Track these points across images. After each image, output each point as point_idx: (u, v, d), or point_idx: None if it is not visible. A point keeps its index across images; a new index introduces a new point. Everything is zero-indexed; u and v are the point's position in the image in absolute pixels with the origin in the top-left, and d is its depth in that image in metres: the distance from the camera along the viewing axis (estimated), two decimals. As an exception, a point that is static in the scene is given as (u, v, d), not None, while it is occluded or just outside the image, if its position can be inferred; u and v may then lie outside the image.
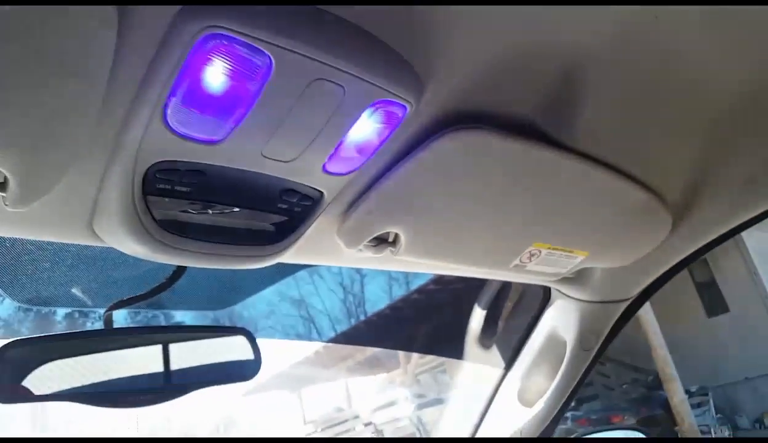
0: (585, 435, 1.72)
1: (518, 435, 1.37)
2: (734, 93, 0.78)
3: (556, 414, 1.35)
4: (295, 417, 14.36)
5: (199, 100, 0.50)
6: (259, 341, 0.87)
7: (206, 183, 0.60)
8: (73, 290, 0.94)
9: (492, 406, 1.43)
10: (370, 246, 0.84)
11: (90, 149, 0.53)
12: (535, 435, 1.37)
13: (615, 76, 0.71)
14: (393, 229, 0.81)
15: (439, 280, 8.60)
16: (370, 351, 11.86)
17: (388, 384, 12.42)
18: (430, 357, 11.12)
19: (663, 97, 0.76)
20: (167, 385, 0.80)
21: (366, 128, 0.62)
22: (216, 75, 0.49)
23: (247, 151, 0.57)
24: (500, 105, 0.71)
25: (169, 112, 0.50)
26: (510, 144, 0.73)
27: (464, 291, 1.61)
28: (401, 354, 11.48)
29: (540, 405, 1.33)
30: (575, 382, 1.32)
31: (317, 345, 12.56)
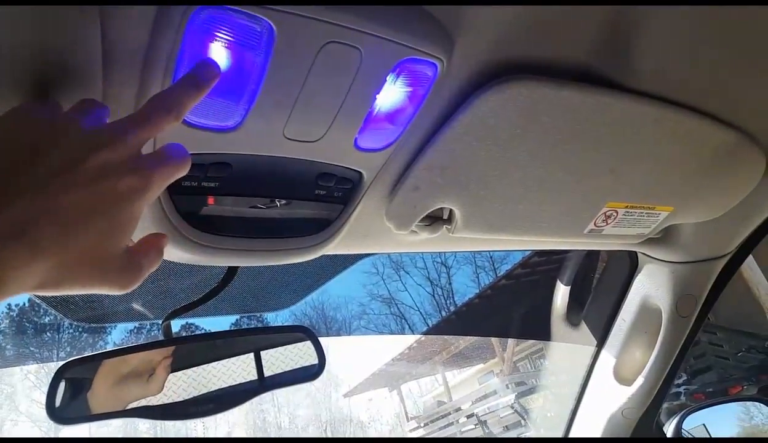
0: (703, 407, 1.57)
1: (620, 417, 1.26)
2: None
3: (659, 390, 1.23)
4: (398, 413, 14.51)
5: None
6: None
7: (234, 175, 0.57)
8: (130, 304, 0.96)
9: (588, 387, 1.33)
10: (424, 226, 0.79)
11: None
12: (639, 415, 1.26)
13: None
14: (446, 205, 0.75)
15: (527, 264, 8.39)
16: (464, 343, 11.74)
17: (487, 375, 12.25)
18: (527, 344, 10.85)
19: (736, 19, 0.65)
20: (232, 391, 0.79)
21: (395, 94, 0.58)
22: (216, 51, 0.46)
23: (268, 134, 0.54)
24: (547, 51, 0.63)
25: (176, 102, 0.47)
26: (565, 92, 0.64)
27: (555, 271, 1.51)
28: (496, 343, 11.29)
29: (640, 382, 1.22)
30: (677, 353, 1.20)
31: (411, 341, 12.60)
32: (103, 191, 0.37)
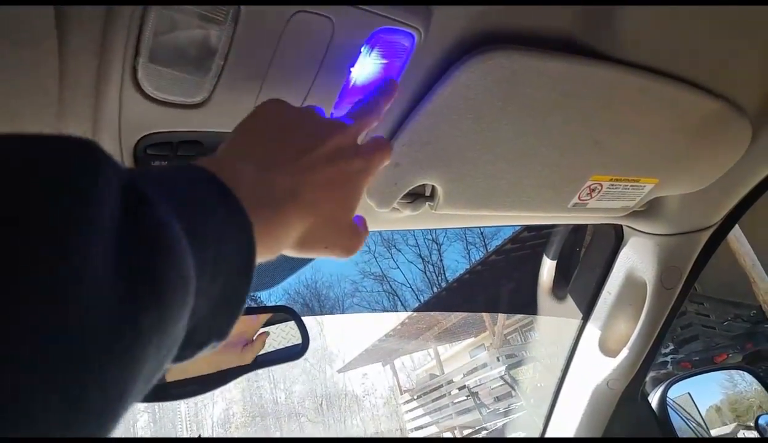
0: (688, 377, 1.59)
1: (605, 387, 1.27)
2: None
3: (644, 361, 1.24)
4: (392, 386, 14.70)
5: (167, 54, 0.45)
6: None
7: (204, 154, 0.55)
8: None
9: (574, 359, 1.34)
10: (406, 203, 0.78)
11: (67, 131, 0.50)
12: (624, 385, 1.27)
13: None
14: (427, 181, 0.74)
15: (516, 238, 8.43)
16: (455, 318, 11.86)
17: (478, 348, 12.41)
18: (517, 317, 10.98)
19: None
20: (223, 370, 0.79)
21: (371, 67, 0.55)
22: (179, 23, 0.43)
23: (239, 110, 0.52)
24: (528, 21, 0.61)
25: (139, 75, 0.45)
26: (548, 62, 0.62)
27: (545, 245, 1.51)
28: (486, 317, 11.41)
29: (624, 354, 1.22)
30: (661, 325, 1.20)
31: (403, 318, 12.71)
32: (339, 169, 0.44)
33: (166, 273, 0.25)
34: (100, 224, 0.22)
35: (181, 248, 0.26)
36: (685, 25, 0.67)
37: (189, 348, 0.30)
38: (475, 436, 9.64)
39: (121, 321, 0.22)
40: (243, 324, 0.80)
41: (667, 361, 6.64)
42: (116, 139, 0.50)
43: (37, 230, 0.20)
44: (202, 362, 0.75)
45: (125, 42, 0.43)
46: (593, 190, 0.87)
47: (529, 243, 8.15)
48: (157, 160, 0.54)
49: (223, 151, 0.41)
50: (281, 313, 0.83)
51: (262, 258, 0.36)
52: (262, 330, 0.83)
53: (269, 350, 0.83)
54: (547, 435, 1.38)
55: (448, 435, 10.88)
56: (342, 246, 0.45)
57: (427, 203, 0.78)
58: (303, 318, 0.85)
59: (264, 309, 0.88)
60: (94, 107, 0.49)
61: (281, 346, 0.84)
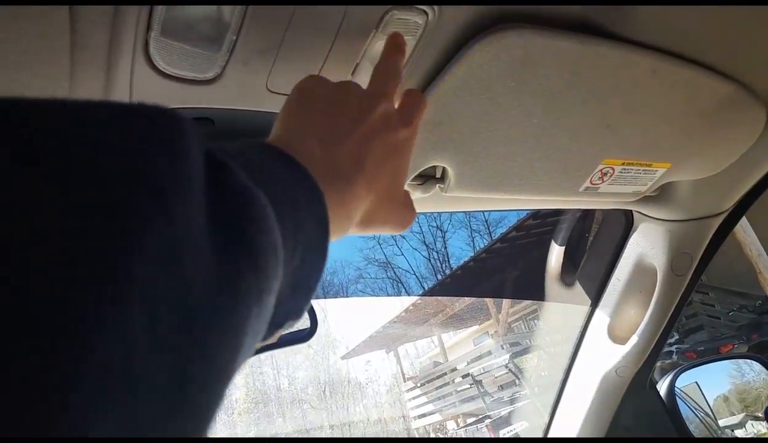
0: (696, 366, 1.59)
1: (614, 375, 1.27)
2: None
3: (653, 348, 1.24)
4: (395, 374, 14.77)
5: (179, 28, 0.44)
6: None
7: (216, 132, 0.55)
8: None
9: (582, 347, 1.34)
10: (416, 185, 0.77)
11: None
12: (633, 373, 1.27)
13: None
14: (438, 162, 0.73)
15: (521, 226, 8.42)
16: (460, 305, 11.87)
17: (482, 336, 12.44)
18: (521, 305, 10.99)
19: None
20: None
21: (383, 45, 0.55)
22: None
23: (251, 87, 0.52)
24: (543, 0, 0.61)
25: (151, 49, 0.45)
26: (562, 42, 0.61)
27: (549, 233, 1.50)
28: (491, 304, 11.42)
29: (634, 341, 1.22)
30: (671, 312, 1.19)
31: (407, 304, 12.74)
32: (390, 139, 0.43)
33: (260, 240, 0.24)
34: (197, 185, 0.22)
35: (269, 215, 0.26)
36: (700, 7, 0.66)
37: (270, 327, 0.28)
38: (475, 436, 9.68)
39: (221, 288, 0.21)
40: None
41: (673, 351, 6.63)
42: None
43: (144, 188, 0.19)
44: None
45: (137, 15, 0.42)
46: (605, 174, 0.86)
47: (534, 230, 8.13)
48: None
49: (281, 131, 0.41)
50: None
51: (334, 235, 0.35)
52: None
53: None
54: (555, 422, 1.38)
55: (451, 423, 10.93)
56: (397, 221, 0.45)
57: (437, 185, 0.78)
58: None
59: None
60: (105, 81, 0.48)
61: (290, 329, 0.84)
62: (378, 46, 0.54)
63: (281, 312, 0.29)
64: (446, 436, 11.18)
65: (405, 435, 12.71)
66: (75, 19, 0.42)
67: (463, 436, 10.34)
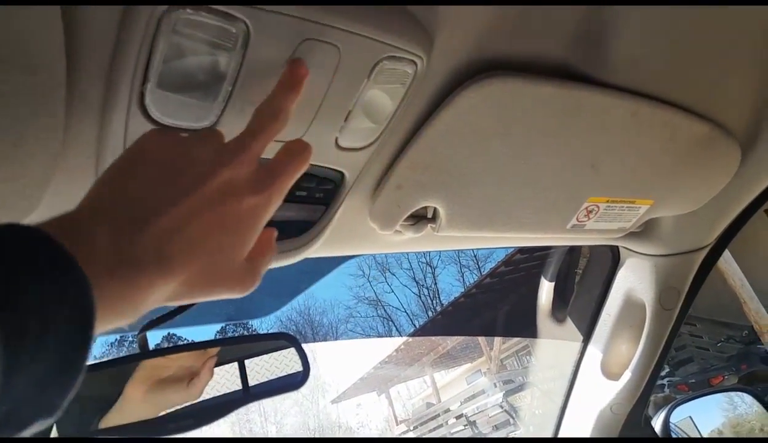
0: (689, 400, 1.58)
1: (609, 412, 1.26)
2: None
3: (646, 383, 1.23)
4: (387, 417, 14.48)
5: (176, 80, 0.45)
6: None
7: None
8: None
9: (576, 384, 1.33)
10: (408, 225, 0.78)
11: (72, 157, 0.50)
12: (628, 410, 1.26)
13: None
14: (429, 203, 0.74)
15: (510, 261, 8.45)
16: (451, 343, 11.78)
17: (475, 374, 12.30)
18: (513, 341, 10.92)
19: (709, 12, 0.66)
20: (215, 403, 0.77)
21: (375, 92, 0.56)
22: (188, 50, 0.44)
23: None
24: (525, 48, 0.63)
25: (147, 101, 0.46)
26: (544, 88, 0.64)
27: (538, 267, 1.52)
28: (483, 342, 11.34)
29: (627, 376, 1.22)
30: (662, 346, 1.20)
31: (398, 344, 12.60)
32: (227, 212, 0.39)
33: None
34: None
35: None
36: (675, 50, 0.69)
37: (7, 430, 0.27)
38: (474, 436, 9.48)
39: None
40: (190, 358, 0.76)
41: (664, 384, 6.61)
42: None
43: None
44: (140, 406, 0.72)
45: (134, 67, 0.44)
46: (590, 212, 0.87)
47: (523, 265, 8.17)
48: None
49: (80, 206, 0.36)
50: (281, 341, 0.82)
51: (114, 322, 0.33)
52: (213, 355, 0.78)
53: (264, 380, 0.82)
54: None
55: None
56: (231, 289, 0.41)
57: (429, 225, 0.79)
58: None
59: (262, 337, 0.87)
60: (99, 132, 0.49)
61: (281, 374, 0.83)
62: (370, 94, 0.56)
63: (27, 412, 0.28)
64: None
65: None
66: (72, 71, 0.43)
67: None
